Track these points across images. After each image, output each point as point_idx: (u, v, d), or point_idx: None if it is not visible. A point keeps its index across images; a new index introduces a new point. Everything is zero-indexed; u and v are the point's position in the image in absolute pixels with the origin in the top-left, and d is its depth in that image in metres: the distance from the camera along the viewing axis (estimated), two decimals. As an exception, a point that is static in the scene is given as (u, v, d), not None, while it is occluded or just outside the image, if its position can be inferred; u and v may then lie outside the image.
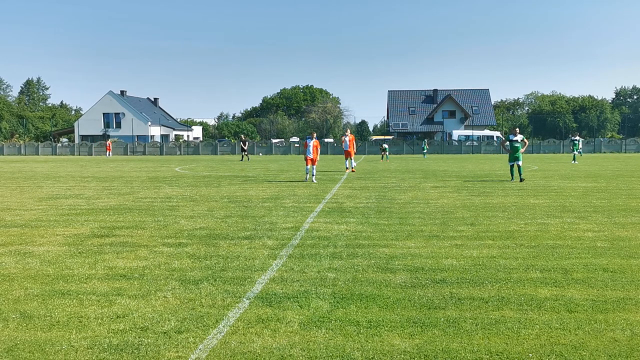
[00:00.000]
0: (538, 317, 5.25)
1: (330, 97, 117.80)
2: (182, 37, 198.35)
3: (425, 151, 54.75)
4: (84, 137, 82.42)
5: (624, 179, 21.86)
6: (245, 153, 46.14)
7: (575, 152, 37.84)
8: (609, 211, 12.29)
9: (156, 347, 4.60)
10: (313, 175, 20.94)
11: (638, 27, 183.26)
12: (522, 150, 20.50)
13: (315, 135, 21.86)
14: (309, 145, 20.93)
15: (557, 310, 5.46)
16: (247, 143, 46.91)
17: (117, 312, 5.48)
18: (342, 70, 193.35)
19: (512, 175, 20.54)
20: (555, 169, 29.97)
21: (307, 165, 21.00)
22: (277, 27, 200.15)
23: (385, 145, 46.06)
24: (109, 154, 65.52)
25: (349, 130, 28.99)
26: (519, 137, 20.63)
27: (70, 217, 11.82)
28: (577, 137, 40.09)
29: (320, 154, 40.74)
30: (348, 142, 27.33)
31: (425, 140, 60.85)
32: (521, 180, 20.14)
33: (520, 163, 20.36)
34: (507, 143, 20.80)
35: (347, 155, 27.51)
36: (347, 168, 27.59)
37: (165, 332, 4.92)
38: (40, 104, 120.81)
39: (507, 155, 20.88)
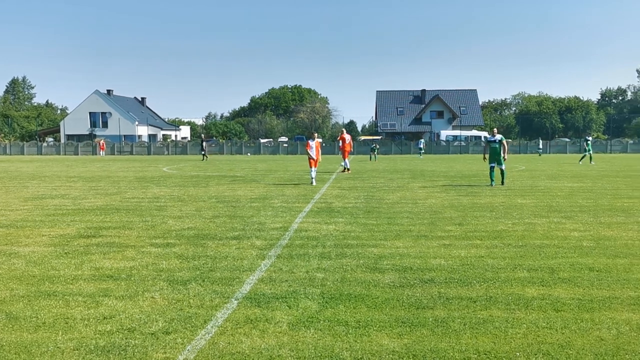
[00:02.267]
0: (525, 317, 5.29)
1: (319, 97, 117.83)
2: (169, 37, 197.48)
3: (422, 151, 55.34)
4: (70, 137, 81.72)
5: (609, 179, 22.08)
6: (204, 152, 46.60)
7: (590, 152, 36.49)
8: (594, 211, 12.40)
9: (143, 348, 4.57)
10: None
11: (622, 29, 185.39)
12: (504, 155, 19.11)
13: (316, 135, 21.02)
14: (312, 147, 20.10)
15: (544, 309, 5.50)
16: (204, 143, 47.32)
17: (103, 313, 5.44)
18: (330, 70, 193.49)
19: (491, 178, 19.15)
20: (542, 169, 30.19)
21: (311, 167, 20.04)
22: (266, 26, 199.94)
23: (377, 145, 46.75)
24: (102, 153, 64.94)
25: (344, 130, 28.49)
26: (498, 138, 19.28)
27: (56, 218, 11.72)
28: (590, 138, 39.17)
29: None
30: (341, 141, 26.97)
31: (422, 140, 61.28)
32: (502, 183, 19.00)
33: (503, 167, 19.07)
34: (487, 145, 19.62)
35: (346, 155, 26.97)
36: (347, 168, 26.98)
37: (152, 333, 4.89)
38: (26, 103, 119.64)
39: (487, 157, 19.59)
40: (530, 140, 76.00)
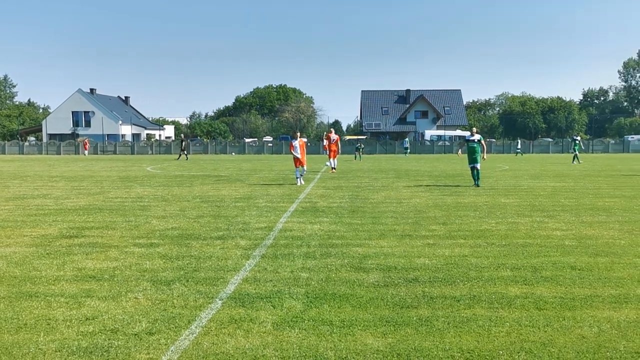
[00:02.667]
0: (508, 315, 5.33)
1: (304, 96, 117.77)
2: (153, 35, 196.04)
3: (407, 150, 56.31)
4: (52, 136, 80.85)
5: (591, 178, 22.34)
6: (184, 152, 47.09)
7: (576, 152, 36.29)
8: (576, 210, 12.54)
9: (126, 349, 4.53)
10: (301, 175, 19.78)
11: (605, 31, 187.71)
12: (482, 155, 18.77)
13: (299, 134, 20.61)
14: (296, 147, 19.75)
15: (527, 307, 5.55)
16: (184, 143, 47.84)
17: (86, 314, 5.39)
18: (315, 70, 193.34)
19: (474, 178, 18.82)
20: (526, 168, 30.46)
21: (296, 167, 19.74)
22: (251, 26, 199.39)
23: (361, 145, 47.50)
24: (86, 153, 64.43)
25: (333, 130, 29.22)
26: (477, 137, 18.79)
27: (37, 218, 11.58)
28: (578, 137, 38.94)
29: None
30: (333, 141, 27.37)
31: (407, 139, 62.18)
32: (477, 185, 18.51)
33: (478, 166, 18.60)
34: (464, 145, 19.21)
35: (333, 154, 27.37)
36: (332, 168, 27.42)
37: (136, 334, 4.85)
38: (7, 102, 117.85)
39: (467, 157, 19.03)
40: (514, 140, 76.70)
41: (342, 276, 6.75)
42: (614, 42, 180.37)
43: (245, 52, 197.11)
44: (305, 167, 20.07)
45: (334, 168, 27.28)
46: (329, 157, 27.53)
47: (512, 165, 34.04)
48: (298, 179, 19.61)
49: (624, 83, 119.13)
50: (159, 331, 4.92)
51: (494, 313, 5.39)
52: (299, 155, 19.76)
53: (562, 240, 8.99)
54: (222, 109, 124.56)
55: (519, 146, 60.77)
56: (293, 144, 20.00)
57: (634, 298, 5.86)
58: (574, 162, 36.10)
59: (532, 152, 66.29)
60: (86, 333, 4.88)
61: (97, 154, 67.53)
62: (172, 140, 79.37)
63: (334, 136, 27.65)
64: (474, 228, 10.17)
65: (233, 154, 66.31)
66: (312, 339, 4.74)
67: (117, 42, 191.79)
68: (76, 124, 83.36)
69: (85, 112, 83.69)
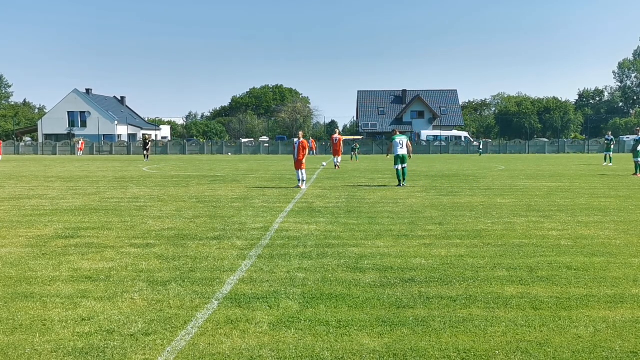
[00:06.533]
0: (504, 315, 5.34)
1: (300, 96, 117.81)
2: (149, 35, 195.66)
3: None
4: (48, 136, 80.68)
5: (587, 178, 22.39)
6: (147, 153, 47.70)
7: (609, 153, 33.54)
8: (572, 210, 12.57)
9: (122, 350, 4.52)
10: (303, 180, 18.35)
11: (599, 31, 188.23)
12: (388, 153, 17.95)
13: (302, 134, 18.88)
14: (296, 148, 18.28)
15: (523, 307, 5.56)
16: (149, 143, 48.64)
17: (82, 314, 5.37)
18: (312, 70, 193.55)
19: (398, 179, 18.69)
20: (522, 168, 30.51)
21: (295, 169, 18.43)
22: (247, 26, 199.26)
23: (357, 145, 47.95)
24: (80, 153, 64.34)
25: (337, 131, 32.60)
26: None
27: (33, 218, 11.54)
28: (612, 137, 35.24)
29: (290, 154, 40.71)
30: (336, 141, 30.96)
31: None
32: (402, 185, 18.51)
33: (404, 165, 18.50)
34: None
35: (335, 153, 30.77)
36: (335, 166, 30.30)
37: (132, 335, 4.84)
38: (3, 102, 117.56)
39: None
40: (510, 140, 76.89)
41: (338, 276, 6.75)
42: (609, 43, 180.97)
43: (241, 52, 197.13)
44: (304, 171, 18.31)
45: (336, 165, 30.25)
46: (333, 156, 30.86)
47: (509, 166, 34.09)
48: (299, 182, 18.38)
49: (619, 83, 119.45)
50: (155, 332, 4.91)
51: (490, 313, 5.40)
52: (296, 156, 18.31)
53: (558, 240, 9.01)
54: (218, 109, 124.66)
55: (481, 147, 62.91)
56: (295, 144, 18.42)
57: (629, 298, 5.88)
58: (610, 163, 33.44)
59: (529, 153, 66.43)
60: (82, 334, 4.87)
61: (93, 154, 67.39)
62: (169, 141, 79.24)
63: (337, 136, 31.11)
64: (470, 228, 10.18)
65: (229, 154, 66.25)
66: (308, 339, 4.74)
67: (113, 42, 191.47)
68: (72, 124, 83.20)
69: (81, 112, 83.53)
